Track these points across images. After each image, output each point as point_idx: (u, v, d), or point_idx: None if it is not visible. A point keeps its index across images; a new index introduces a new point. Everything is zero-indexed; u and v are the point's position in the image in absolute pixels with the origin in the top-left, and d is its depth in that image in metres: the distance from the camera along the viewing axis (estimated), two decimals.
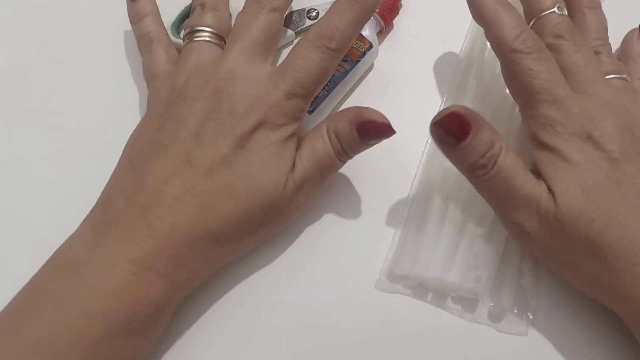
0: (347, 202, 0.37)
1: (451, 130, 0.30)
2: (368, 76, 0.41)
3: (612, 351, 0.33)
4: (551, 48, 0.33)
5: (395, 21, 0.42)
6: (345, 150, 0.33)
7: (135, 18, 0.38)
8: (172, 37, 0.40)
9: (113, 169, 0.34)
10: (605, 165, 0.30)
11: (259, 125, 0.32)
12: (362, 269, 0.35)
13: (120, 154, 0.34)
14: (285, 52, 0.41)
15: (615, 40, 0.37)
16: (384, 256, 0.35)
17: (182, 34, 0.41)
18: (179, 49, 0.38)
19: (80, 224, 0.32)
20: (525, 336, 0.33)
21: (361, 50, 0.39)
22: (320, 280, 0.35)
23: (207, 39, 0.35)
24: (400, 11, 0.42)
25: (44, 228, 0.36)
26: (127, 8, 0.39)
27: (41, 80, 0.41)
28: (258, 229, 0.33)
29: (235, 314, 0.34)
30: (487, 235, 0.34)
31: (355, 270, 0.35)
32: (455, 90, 0.39)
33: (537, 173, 0.32)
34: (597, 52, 0.35)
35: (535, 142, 0.32)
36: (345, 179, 0.37)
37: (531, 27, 0.34)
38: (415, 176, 0.37)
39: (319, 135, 0.33)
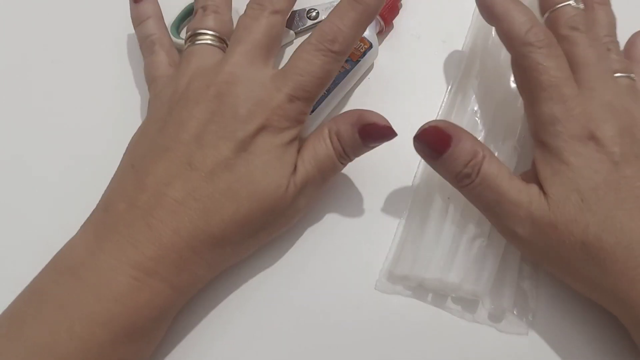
0: (347, 202, 0.37)
1: (430, 144, 0.32)
2: (368, 76, 0.41)
3: (611, 352, 0.33)
4: (565, 40, 0.33)
5: (395, 21, 0.42)
6: (347, 153, 0.33)
7: (137, 20, 0.38)
8: (172, 37, 0.39)
9: (113, 169, 0.33)
10: (605, 168, 0.30)
11: (262, 129, 0.32)
12: (362, 269, 0.35)
13: (121, 154, 0.34)
14: (285, 52, 0.41)
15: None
16: (383, 257, 0.35)
17: (182, 34, 0.41)
18: (179, 49, 0.38)
19: (81, 227, 0.32)
20: (525, 337, 0.33)
21: (361, 50, 0.39)
22: (320, 282, 0.35)
23: (209, 42, 0.35)
24: (400, 11, 0.42)
25: (44, 228, 0.36)
26: (130, 10, 0.39)
27: (41, 81, 0.41)
28: (260, 231, 0.33)
29: (236, 315, 0.34)
30: (487, 236, 0.34)
31: (355, 271, 0.35)
32: (456, 89, 0.39)
33: (534, 173, 0.32)
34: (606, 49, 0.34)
35: (536, 141, 0.32)
36: (345, 179, 0.37)
37: (546, 19, 0.34)
38: (415, 176, 0.37)
39: (320, 138, 0.33)
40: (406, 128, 0.34)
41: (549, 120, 0.31)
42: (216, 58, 0.34)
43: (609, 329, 0.33)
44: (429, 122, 0.32)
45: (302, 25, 0.41)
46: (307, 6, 0.41)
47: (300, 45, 0.33)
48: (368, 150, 0.34)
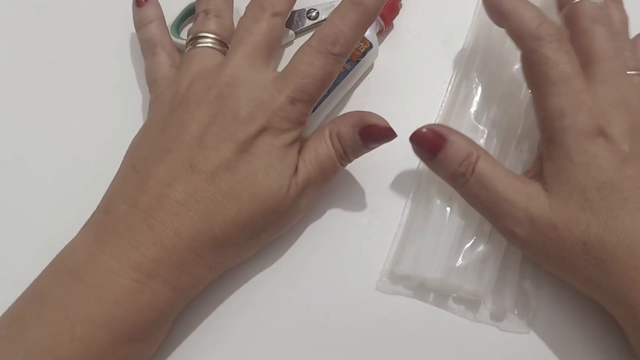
0: (348, 202, 0.37)
1: (424, 146, 0.33)
2: (368, 76, 0.41)
3: (612, 351, 0.33)
4: (585, 33, 0.33)
5: (396, 21, 0.42)
6: (347, 154, 0.34)
7: (140, 24, 0.38)
8: (172, 38, 0.39)
9: (114, 170, 0.33)
10: (611, 166, 0.30)
11: (263, 130, 0.32)
12: (363, 269, 0.35)
13: (121, 156, 0.34)
14: (285, 52, 0.41)
15: None
16: (384, 256, 0.35)
17: (182, 34, 0.41)
18: (179, 49, 0.38)
19: (82, 228, 0.32)
20: (526, 336, 0.33)
21: (361, 51, 0.38)
22: (321, 281, 0.35)
23: (210, 45, 0.35)
24: (400, 11, 0.41)
25: (44, 229, 0.36)
26: (133, 13, 0.39)
27: (41, 81, 0.41)
28: (261, 232, 0.33)
29: (237, 316, 0.34)
30: (489, 236, 0.34)
31: (355, 271, 0.35)
32: (457, 89, 0.39)
33: (539, 170, 0.32)
34: None
35: (544, 137, 0.32)
36: (346, 179, 0.37)
37: (565, 14, 0.34)
38: (416, 176, 0.37)
39: (321, 139, 0.34)
40: (406, 128, 0.34)
41: (557, 115, 0.31)
42: (217, 60, 0.34)
43: (611, 329, 0.32)
44: (424, 125, 0.33)
45: (302, 26, 0.41)
46: (307, 6, 0.41)
47: (301, 47, 0.33)
48: (368, 151, 0.34)
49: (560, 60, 0.31)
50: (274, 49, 0.34)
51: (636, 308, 0.29)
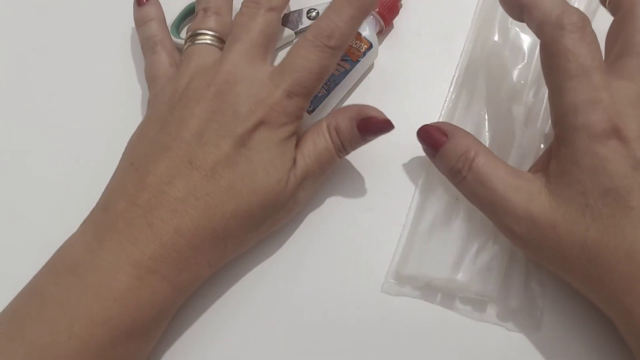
0: (351, 203, 0.37)
1: (427, 141, 0.34)
2: (368, 76, 0.41)
3: (619, 351, 0.32)
4: (631, 21, 0.31)
5: (396, 21, 0.42)
6: (345, 146, 0.34)
7: (140, 22, 0.39)
8: (172, 37, 0.40)
9: (113, 169, 0.33)
10: (621, 172, 0.28)
11: (260, 124, 0.32)
12: (369, 270, 0.35)
13: (121, 154, 0.34)
14: (285, 52, 0.41)
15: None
16: (389, 257, 0.35)
17: (182, 34, 0.41)
18: (179, 48, 0.39)
19: (80, 225, 0.32)
20: (534, 335, 0.33)
21: (361, 50, 0.38)
22: (325, 282, 0.35)
23: (208, 41, 0.35)
24: (401, 11, 0.41)
25: (44, 228, 0.36)
26: (134, 12, 0.39)
27: (41, 81, 0.41)
28: (260, 225, 0.33)
29: (237, 317, 0.34)
30: (495, 236, 0.34)
31: (361, 271, 0.35)
32: (459, 89, 0.39)
33: (546, 165, 0.31)
34: None
35: (555, 134, 0.31)
36: (349, 179, 0.37)
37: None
38: (421, 175, 0.37)
39: (319, 132, 0.34)
40: (407, 128, 0.34)
41: (570, 112, 0.29)
42: (216, 57, 0.34)
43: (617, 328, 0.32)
44: (429, 123, 0.33)
45: (301, 25, 0.41)
46: (307, 6, 0.41)
47: (296, 41, 0.33)
48: (364, 144, 0.35)
49: (580, 52, 0.29)
50: (270, 44, 0.35)
51: (632, 314, 0.28)
